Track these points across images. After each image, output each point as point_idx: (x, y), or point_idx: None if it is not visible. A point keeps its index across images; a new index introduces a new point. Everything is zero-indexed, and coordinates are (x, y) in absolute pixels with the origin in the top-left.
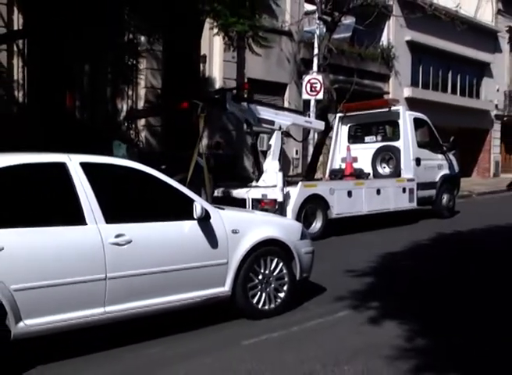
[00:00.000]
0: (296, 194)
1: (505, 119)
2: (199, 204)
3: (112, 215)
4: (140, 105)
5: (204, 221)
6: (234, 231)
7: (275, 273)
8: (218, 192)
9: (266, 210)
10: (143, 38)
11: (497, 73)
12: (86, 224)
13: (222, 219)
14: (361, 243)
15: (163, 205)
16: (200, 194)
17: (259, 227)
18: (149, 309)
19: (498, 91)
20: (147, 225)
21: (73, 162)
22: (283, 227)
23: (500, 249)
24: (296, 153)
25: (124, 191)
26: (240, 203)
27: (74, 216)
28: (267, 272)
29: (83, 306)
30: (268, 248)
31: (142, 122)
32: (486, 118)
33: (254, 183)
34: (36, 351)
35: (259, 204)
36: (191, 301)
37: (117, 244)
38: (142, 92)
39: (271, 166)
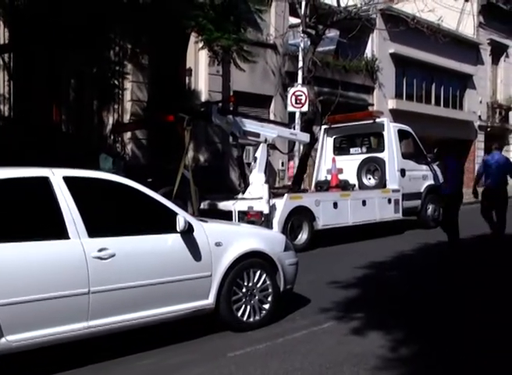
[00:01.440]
0: (282, 206)
1: (488, 129)
2: (182, 217)
3: (95, 229)
4: (126, 118)
5: (188, 234)
6: (217, 244)
7: (259, 285)
8: (204, 205)
9: (252, 222)
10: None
11: (480, 84)
12: (69, 238)
13: (206, 231)
14: (347, 254)
15: (147, 219)
16: (186, 206)
17: (242, 240)
18: (133, 323)
19: (481, 102)
20: (131, 238)
21: (56, 177)
22: (267, 239)
23: (485, 259)
24: (282, 165)
25: (107, 204)
26: (227, 215)
27: (57, 230)
28: (251, 284)
29: (66, 321)
30: (252, 260)
31: (128, 135)
32: (470, 129)
33: (240, 196)
34: (22, 365)
35: (245, 216)
36: (175, 315)
37: (100, 258)
38: (128, 105)
39: (257, 178)
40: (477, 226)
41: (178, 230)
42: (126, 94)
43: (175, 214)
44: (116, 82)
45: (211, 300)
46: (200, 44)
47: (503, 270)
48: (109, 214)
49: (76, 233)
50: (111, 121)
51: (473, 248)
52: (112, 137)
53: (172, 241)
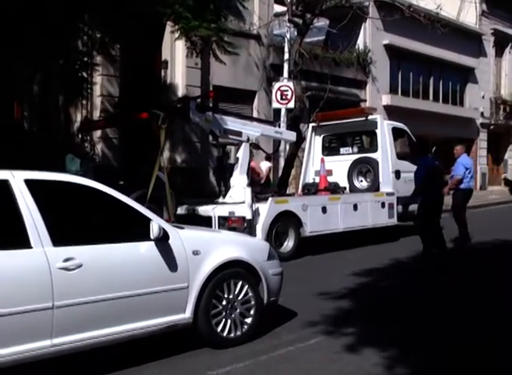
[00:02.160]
0: (267, 210)
1: (491, 127)
2: (156, 223)
3: (61, 237)
4: (96, 115)
5: (162, 242)
6: (195, 252)
7: (240, 297)
8: (181, 209)
9: (234, 229)
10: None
11: (482, 78)
12: (31, 248)
13: (182, 239)
14: (337, 263)
15: (117, 226)
16: (161, 212)
17: (222, 248)
18: (102, 340)
19: (483, 97)
20: (100, 247)
21: (17, 179)
22: (249, 247)
23: (486, 267)
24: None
25: (74, 210)
26: (206, 221)
27: (18, 238)
28: (231, 296)
29: (27, 339)
30: (233, 270)
31: (98, 133)
32: (471, 127)
33: (220, 200)
34: None
35: (226, 222)
36: (149, 330)
37: (66, 268)
38: (98, 101)
39: (238, 181)
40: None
41: (151, 237)
42: (95, 89)
43: (148, 220)
44: (85, 75)
45: (188, 314)
46: (177, 34)
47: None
48: (76, 220)
49: (39, 242)
50: (79, 118)
51: (470, 256)
52: (80, 136)
53: (145, 250)
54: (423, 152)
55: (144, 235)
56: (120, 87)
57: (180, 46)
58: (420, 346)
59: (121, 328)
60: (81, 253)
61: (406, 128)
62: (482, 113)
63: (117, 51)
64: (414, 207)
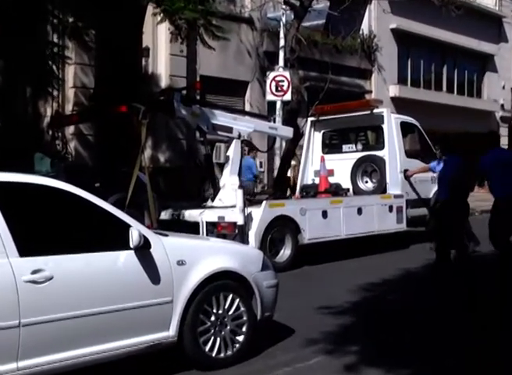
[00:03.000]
0: (260, 215)
1: None
2: (136, 230)
3: (28, 246)
4: (68, 108)
5: (143, 250)
6: (180, 262)
7: (231, 313)
8: (165, 214)
9: (224, 236)
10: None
11: (502, 66)
12: None
13: (165, 247)
14: (339, 274)
15: (93, 233)
16: (142, 217)
17: (210, 257)
18: (75, 362)
19: (504, 88)
20: (73, 257)
21: None
22: (240, 256)
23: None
24: (261, 166)
25: (44, 216)
26: (192, 227)
27: None
28: (221, 311)
29: None
30: (223, 281)
31: (70, 129)
32: (490, 121)
33: (208, 203)
34: None
35: (215, 228)
36: (128, 350)
37: (34, 281)
38: (70, 93)
39: (229, 182)
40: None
41: (131, 245)
42: (67, 80)
43: (127, 226)
44: (55, 64)
45: (172, 331)
46: (159, 17)
47: None
48: (46, 228)
49: (4, 252)
50: (49, 113)
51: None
52: (51, 133)
53: (123, 260)
54: (450, 149)
55: (122, 243)
56: (95, 78)
57: (163, 31)
58: (429, 367)
59: (96, 348)
60: (51, 264)
61: (416, 122)
62: (502, 106)
63: (92, 37)
64: (424, 211)
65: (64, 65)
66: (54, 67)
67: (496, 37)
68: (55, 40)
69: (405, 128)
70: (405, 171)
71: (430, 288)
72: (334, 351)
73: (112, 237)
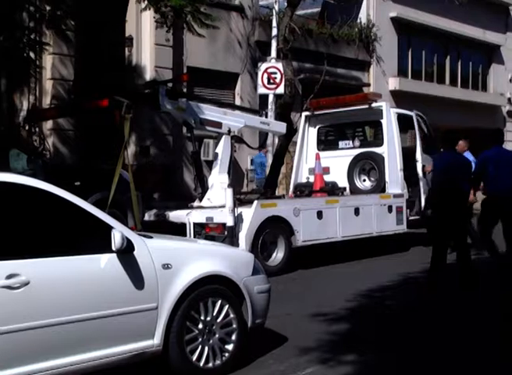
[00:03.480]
0: (251, 216)
1: None
2: (118, 232)
3: (3, 249)
4: (46, 102)
5: (126, 254)
6: (165, 266)
7: (219, 320)
8: (150, 215)
9: (212, 238)
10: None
11: (510, 57)
12: None
13: (150, 250)
14: (335, 278)
15: (72, 235)
16: (125, 218)
17: (198, 260)
18: (54, 373)
19: (511, 81)
20: (51, 261)
21: None
22: (230, 260)
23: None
24: (252, 163)
25: (20, 217)
26: (179, 229)
27: None
28: (209, 318)
29: None
30: (211, 286)
31: (49, 124)
32: (496, 116)
33: (196, 203)
34: None
35: (203, 230)
36: (110, 360)
37: (8, 287)
38: (48, 85)
39: (218, 181)
40: None
41: (113, 248)
42: (45, 71)
43: (109, 228)
44: (32, 55)
45: (157, 340)
46: (144, 4)
47: None
48: (22, 229)
49: None
50: (25, 106)
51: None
52: (27, 128)
53: (105, 264)
54: (450, 145)
55: (104, 246)
56: (75, 69)
57: (148, 19)
58: None
59: (76, 358)
60: (28, 268)
61: (423, 115)
62: (510, 99)
63: (71, 26)
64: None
65: (42, 56)
66: (32, 54)
67: (503, 26)
68: (32, 29)
69: (405, 123)
70: (423, 167)
71: (429, 294)
72: (329, 361)
73: (93, 239)
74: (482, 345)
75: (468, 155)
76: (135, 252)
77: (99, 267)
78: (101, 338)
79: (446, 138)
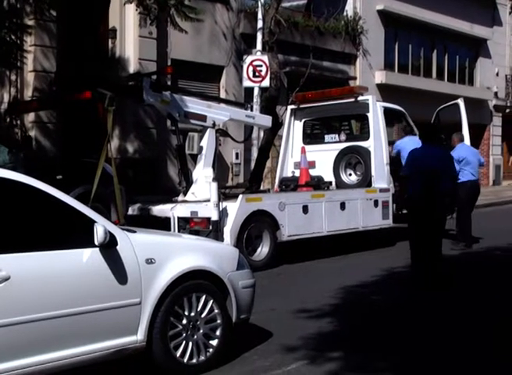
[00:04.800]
0: (236, 210)
1: (507, 111)
2: (101, 226)
3: None
4: (28, 94)
5: (109, 248)
6: (149, 261)
7: (203, 315)
8: (133, 209)
9: (197, 232)
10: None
11: (496, 51)
12: None
13: (133, 244)
14: (320, 273)
15: (54, 229)
16: (109, 212)
17: (182, 255)
18: (34, 369)
19: (497, 75)
20: (31, 256)
21: None
22: (214, 254)
23: (494, 277)
24: (237, 157)
25: (0, 211)
26: (163, 223)
27: None
28: (193, 314)
29: None
30: (195, 281)
31: (30, 117)
32: (483, 110)
33: (180, 198)
34: None
35: (187, 224)
36: (92, 356)
37: None
38: (30, 77)
39: (202, 175)
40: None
41: (96, 243)
42: (26, 63)
43: (91, 222)
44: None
45: (140, 336)
46: None
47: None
48: (2, 224)
49: None
50: (6, 99)
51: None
52: (8, 120)
53: (87, 258)
54: (430, 138)
55: (86, 240)
56: (58, 61)
57: (132, 11)
58: (415, 371)
59: (58, 354)
60: (8, 263)
61: (404, 111)
62: (496, 94)
63: (54, 17)
64: None
65: (23, 47)
66: (15, 43)
67: (490, 20)
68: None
69: (392, 117)
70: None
71: (415, 289)
72: (314, 357)
73: (76, 233)
74: (469, 340)
75: (458, 148)
76: (118, 247)
77: (81, 262)
78: (83, 334)
79: (425, 131)
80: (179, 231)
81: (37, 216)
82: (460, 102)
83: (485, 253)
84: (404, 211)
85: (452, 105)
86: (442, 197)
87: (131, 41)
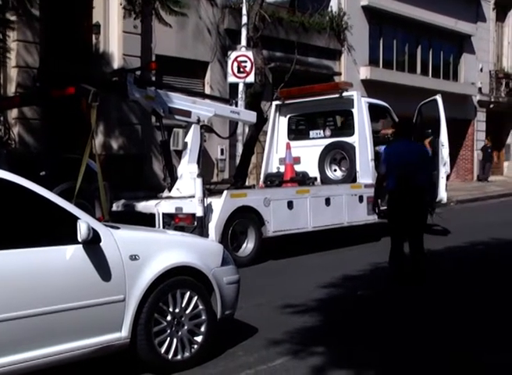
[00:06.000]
0: (221, 206)
1: (491, 106)
2: (84, 223)
3: None
4: (11, 90)
5: (92, 245)
6: (133, 257)
7: (188, 311)
8: (118, 206)
9: (181, 228)
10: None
11: (480, 47)
12: None
13: (117, 241)
14: (305, 269)
15: (37, 226)
16: (93, 208)
17: (167, 251)
18: (14, 368)
19: (481, 70)
20: (14, 253)
21: None
22: (199, 250)
23: (485, 275)
24: (222, 153)
25: None
26: (148, 220)
27: None
28: (178, 310)
29: None
30: (179, 278)
31: (13, 113)
32: (467, 105)
33: (165, 194)
34: None
35: (172, 220)
36: (76, 354)
37: None
38: (13, 73)
39: (187, 171)
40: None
41: (79, 239)
42: (10, 58)
43: (75, 218)
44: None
45: (124, 332)
46: None
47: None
48: None
49: None
50: None
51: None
52: None
53: (71, 255)
54: (404, 133)
55: (69, 237)
56: (41, 57)
57: (116, 5)
58: (398, 367)
59: (40, 352)
60: None
61: (388, 106)
62: (480, 89)
63: (37, 12)
64: None
65: (6, 42)
66: None
67: (474, 16)
68: None
69: (376, 112)
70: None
71: (398, 284)
72: (299, 352)
73: (59, 230)
74: (451, 333)
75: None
76: (102, 243)
77: (64, 259)
78: (66, 331)
79: (401, 126)
80: (163, 227)
81: (20, 212)
82: (438, 98)
83: (468, 248)
84: (383, 208)
85: (432, 101)
86: (421, 191)
87: (115, 37)
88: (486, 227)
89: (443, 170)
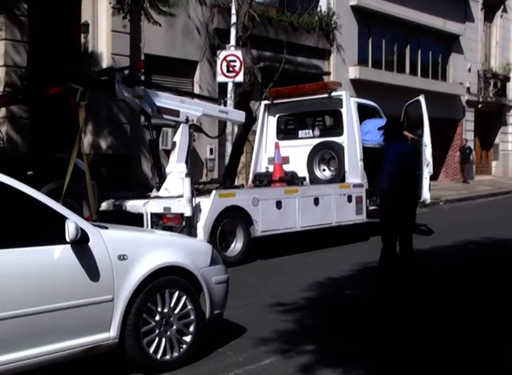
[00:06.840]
0: (210, 206)
1: (479, 106)
2: (72, 222)
3: None
4: None
5: (81, 245)
6: (121, 257)
7: (177, 311)
8: (106, 205)
9: (170, 228)
10: None
11: (468, 47)
12: None
13: (105, 241)
14: (294, 268)
15: (24, 226)
16: (81, 208)
17: (155, 251)
18: (2, 369)
19: (470, 70)
20: (1, 253)
21: None
22: (187, 250)
23: (469, 273)
24: (211, 153)
25: None
26: (136, 219)
27: None
28: (166, 310)
29: None
30: (168, 277)
31: (1, 112)
32: (455, 105)
33: (153, 193)
34: None
35: (161, 220)
36: (64, 354)
37: None
38: (1, 72)
39: (176, 170)
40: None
41: (67, 239)
42: None
43: (63, 218)
44: None
45: (113, 333)
46: None
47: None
48: None
49: None
50: None
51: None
52: None
53: (58, 255)
54: (395, 134)
55: (57, 237)
56: (29, 56)
57: (104, 5)
58: (387, 366)
59: (28, 353)
60: None
61: (377, 106)
62: (469, 89)
63: (23, 11)
64: None
65: None
66: None
67: (462, 16)
68: None
69: (365, 112)
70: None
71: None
72: (288, 352)
73: (47, 230)
74: (441, 331)
75: None
76: (90, 243)
77: (52, 259)
78: (54, 332)
79: (390, 126)
80: (152, 227)
81: (7, 212)
82: (422, 99)
83: (458, 247)
84: (371, 208)
85: (416, 102)
86: (414, 189)
87: (104, 36)
88: (476, 226)
89: (427, 171)
